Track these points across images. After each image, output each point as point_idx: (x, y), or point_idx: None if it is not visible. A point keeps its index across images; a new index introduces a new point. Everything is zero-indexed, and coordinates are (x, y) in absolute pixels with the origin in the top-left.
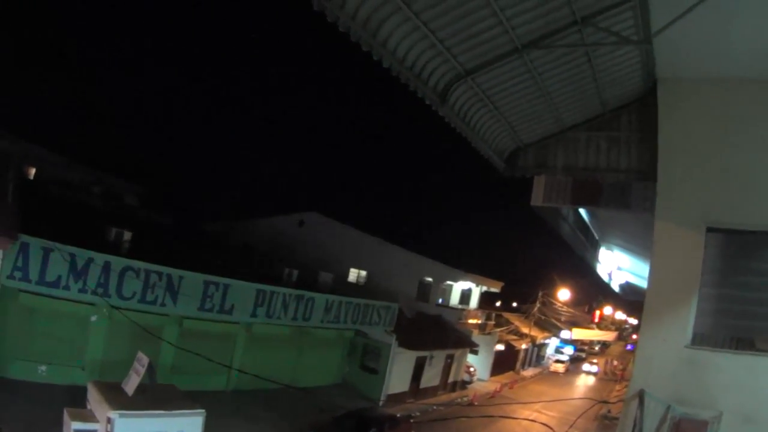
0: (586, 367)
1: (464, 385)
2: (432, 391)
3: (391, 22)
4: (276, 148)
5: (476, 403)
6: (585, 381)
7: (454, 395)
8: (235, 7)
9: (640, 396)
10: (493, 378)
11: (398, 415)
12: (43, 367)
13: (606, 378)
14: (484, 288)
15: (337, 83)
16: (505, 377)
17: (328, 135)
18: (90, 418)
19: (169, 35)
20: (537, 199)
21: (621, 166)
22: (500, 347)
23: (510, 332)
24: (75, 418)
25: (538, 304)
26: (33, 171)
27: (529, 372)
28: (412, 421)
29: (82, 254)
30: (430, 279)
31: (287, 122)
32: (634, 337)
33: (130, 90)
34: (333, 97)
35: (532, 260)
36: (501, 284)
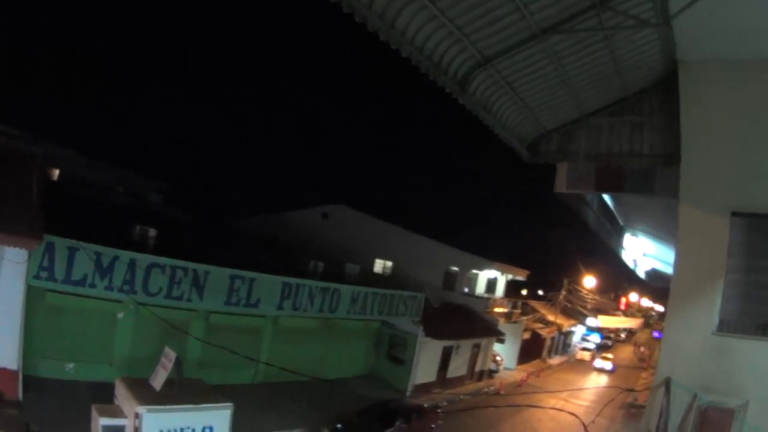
0: (598, 363)
1: (491, 374)
2: (459, 380)
3: (408, 11)
4: (299, 141)
5: (503, 392)
6: (597, 381)
7: (480, 384)
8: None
9: (667, 384)
10: (519, 367)
11: (425, 405)
12: (71, 365)
13: (638, 365)
14: (510, 276)
15: (358, 74)
16: (532, 366)
17: (350, 127)
18: (118, 413)
19: (189, 32)
20: (561, 186)
21: (644, 151)
22: (526, 336)
23: (536, 320)
24: (103, 414)
25: (563, 292)
26: (57, 172)
27: (555, 360)
28: (439, 411)
29: (108, 252)
30: (455, 268)
31: (310, 116)
32: (654, 323)
33: (152, 88)
34: (355, 89)
35: (557, 247)
36: (527, 272)
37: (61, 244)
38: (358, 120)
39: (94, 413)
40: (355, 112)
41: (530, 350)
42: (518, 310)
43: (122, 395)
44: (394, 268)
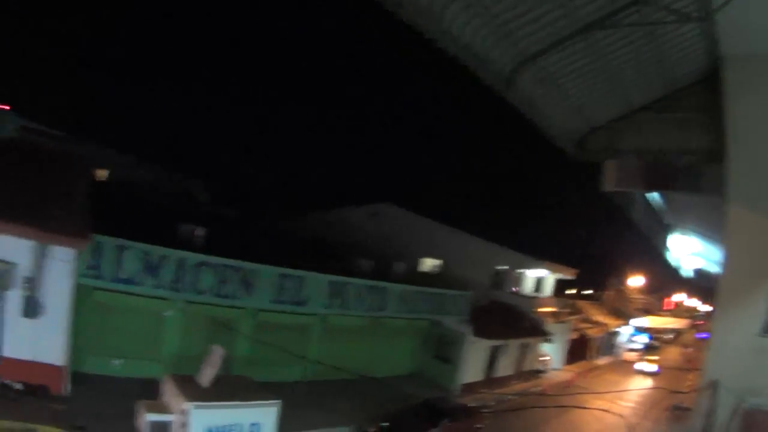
0: (640, 366)
1: (538, 374)
2: (506, 380)
3: (453, 9)
4: (347, 140)
5: (549, 393)
6: (643, 383)
7: (527, 385)
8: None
9: (713, 386)
10: (566, 367)
11: (470, 405)
12: (118, 361)
13: (685, 366)
14: (558, 275)
15: (405, 74)
16: (578, 366)
17: (397, 127)
18: (164, 410)
19: (233, 32)
20: (609, 184)
21: (691, 147)
22: (574, 336)
23: (583, 320)
24: (150, 410)
25: (610, 292)
26: (104, 173)
27: (602, 361)
28: (484, 411)
29: (156, 251)
30: (503, 267)
31: (357, 114)
32: (699, 323)
33: (198, 89)
34: (403, 89)
35: (604, 246)
36: (575, 271)
37: (109, 243)
38: (405, 120)
39: (140, 409)
40: (403, 111)
41: (577, 351)
42: (566, 310)
43: (169, 392)
44: (442, 266)
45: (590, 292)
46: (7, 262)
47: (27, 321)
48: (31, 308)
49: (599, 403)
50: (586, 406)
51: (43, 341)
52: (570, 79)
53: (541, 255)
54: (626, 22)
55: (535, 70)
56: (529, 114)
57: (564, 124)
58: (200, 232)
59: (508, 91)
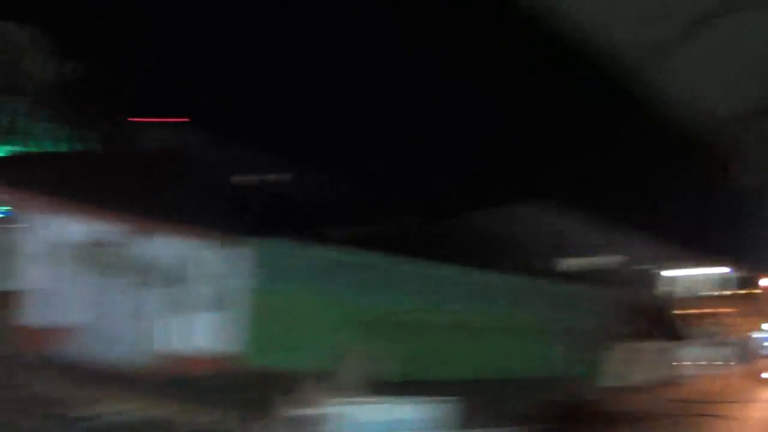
0: None
1: (683, 379)
2: (653, 386)
3: None
4: (506, 134)
5: (693, 400)
6: None
7: (671, 390)
8: None
9: None
10: (714, 372)
11: (612, 410)
12: (280, 355)
13: None
14: (709, 272)
15: (535, 67)
16: (732, 371)
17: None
18: (308, 404)
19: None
20: (750, 176)
21: None
22: (723, 339)
23: (734, 322)
24: (293, 403)
25: (763, 291)
26: (283, 176)
27: (752, 366)
28: (628, 417)
29: (310, 252)
30: (655, 266)
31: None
32: None
33: (352, 85)
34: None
35: (756, 243)
36: (727, 270)
37: (273, 245)
38: (555, 117)
39: (282, 403)
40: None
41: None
42: (720, 310)
43: (314, 387)
44: (596, 265)
45: (743, 291)
46: (180, 260)
47: (198, 315)
48: (203, 304)
49: (746, 412)
50: (732, 415)
51: (213, 336)
52: (702, 66)
53: (693, 253)
54: (755, 3)
55: (667, 59)
56: (662, 106)
57: (701, 115)
58: (353, 230)
59: (639, 81)
